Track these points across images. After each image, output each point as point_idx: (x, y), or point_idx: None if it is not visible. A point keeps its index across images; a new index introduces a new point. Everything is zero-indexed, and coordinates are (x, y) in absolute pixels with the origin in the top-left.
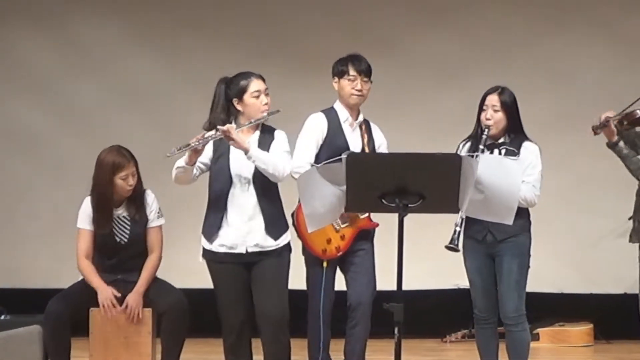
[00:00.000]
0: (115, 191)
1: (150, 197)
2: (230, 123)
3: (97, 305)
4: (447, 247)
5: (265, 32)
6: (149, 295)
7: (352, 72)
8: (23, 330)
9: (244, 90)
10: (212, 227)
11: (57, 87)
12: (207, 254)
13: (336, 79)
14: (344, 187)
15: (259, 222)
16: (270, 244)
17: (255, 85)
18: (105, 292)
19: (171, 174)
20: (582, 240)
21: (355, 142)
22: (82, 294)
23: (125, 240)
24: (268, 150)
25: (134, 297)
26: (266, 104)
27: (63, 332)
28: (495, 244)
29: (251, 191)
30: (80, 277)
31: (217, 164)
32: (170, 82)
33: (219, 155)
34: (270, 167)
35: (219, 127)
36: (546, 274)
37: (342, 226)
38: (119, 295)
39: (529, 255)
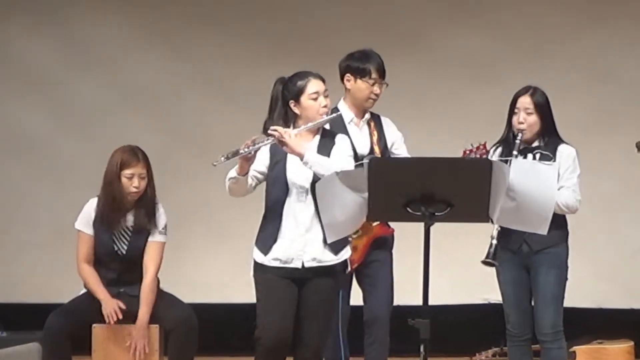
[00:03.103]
0: (121, 191)
1: (159, 212)
2: (289, 127)
3: (99, 320)
4: (484, 262)
5: (280, 28)
6: (156, 310)
7: (374, 74)
8: (21, 348)
9: (301, 92)
10: (267, 239)
11: (57, 87)
12: (258, 268)
13: (350, 76)
14: (366, 194)
15: (317, 234)
16: (329, 258)
17: (313, 86)
18: (110, 303)
19: (181, 181)
20: (623, 251)
21: (362, 143)
22: (84, 309)
23: (124, 251)
24: (328, 156)
25: (139, 332)
26: (325, 106)
27: (63, 350)
28: (530, 255)
29: (309, 201)
30: (82, 291)
31: (274, 171)
32: (177, 81)
33: (276, 162)
34: (328, 173)
35: (269, 129)
36: (583, 287)
37: (354, 237)
38: (124, 308)
39: (567, 268)
